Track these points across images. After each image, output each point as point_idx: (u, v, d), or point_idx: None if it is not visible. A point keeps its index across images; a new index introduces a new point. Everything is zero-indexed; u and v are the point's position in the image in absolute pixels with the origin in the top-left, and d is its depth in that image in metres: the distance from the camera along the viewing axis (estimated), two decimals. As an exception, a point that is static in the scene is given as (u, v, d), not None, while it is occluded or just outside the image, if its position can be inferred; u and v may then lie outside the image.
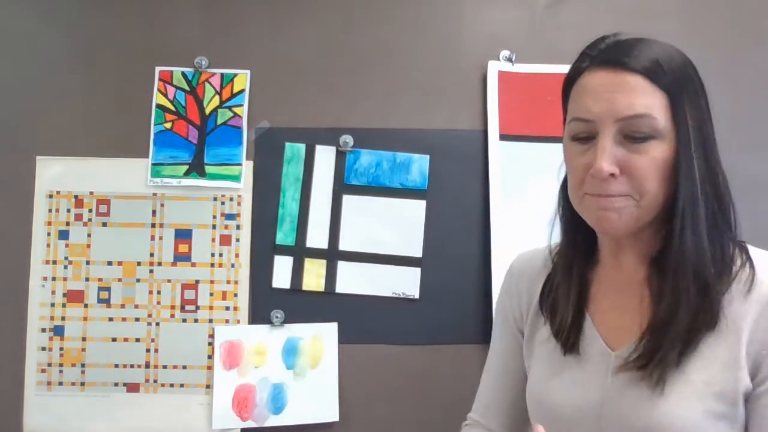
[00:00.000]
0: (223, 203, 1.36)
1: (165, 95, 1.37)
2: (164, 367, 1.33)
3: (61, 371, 1.33)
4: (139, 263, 1.35)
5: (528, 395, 0.88)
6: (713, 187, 0.75)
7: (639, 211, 0.75)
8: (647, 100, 0.72)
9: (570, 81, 0.80)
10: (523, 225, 1.32)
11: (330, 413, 1.30)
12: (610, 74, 0.74)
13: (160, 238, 1.35)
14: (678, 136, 0.73)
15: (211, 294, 1.34)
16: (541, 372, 0.86)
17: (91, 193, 1.36)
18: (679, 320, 0.73)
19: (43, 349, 1.33)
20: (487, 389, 0.97)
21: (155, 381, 1.33)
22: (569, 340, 0.82)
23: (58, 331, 1.34)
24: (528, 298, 0.92)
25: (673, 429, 0.72)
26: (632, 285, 0.81)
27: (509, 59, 1.36)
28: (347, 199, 1.36)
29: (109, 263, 1.35)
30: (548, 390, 0.83)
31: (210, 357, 1.33)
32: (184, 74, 1.38)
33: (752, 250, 0.78)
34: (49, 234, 1.35)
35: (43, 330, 1.34)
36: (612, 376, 0.77)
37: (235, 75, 1.37)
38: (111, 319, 1.34)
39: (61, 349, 1.33)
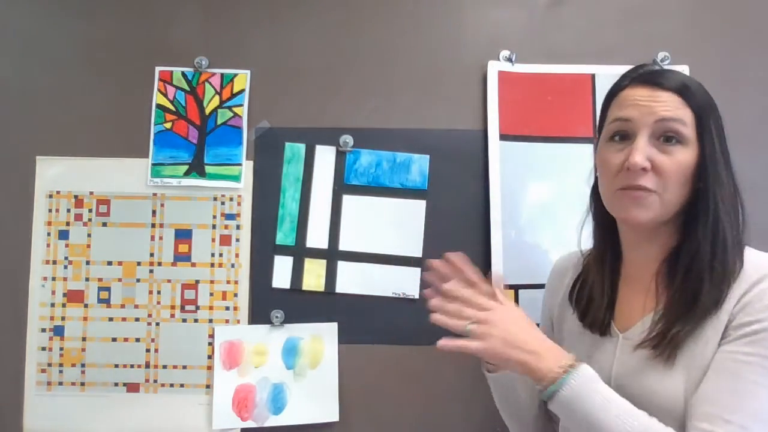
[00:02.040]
0: (223, 203, 1.36)
1: (165, 95, 1.37)
2: (164, 367, 1.33)
3: (61, 371, 1.33)
4: (139, 263, 1.35)
5: None
6: (731, 192, 0.89)
7: (661, 207, 0.88)
8: (679, 111, 0.88)
9: (610, 95, 0.95)
10: (522, 225, 1.32)
11: (330, 413, 1.31)
12: (648, 89, 0.90)
13: (160, 238, 1.35)
14: (704, 147, 0.88)
15: (211, 294, 1.34)
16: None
17: (91, 193, 1.36)
18: (689, 305, 0.86)
19: (43, 349, 1.33)
20: None
21: (155, 381, 1.33)
22: (603, 323, 0.97)
23: (58, 331, 1.34)
24: (560, 293, 1.09)
25: (679, 399, 0.84)
26: (644, 276, 0.94)
27: (509, 59, 1.36)
28: (347, 199, 1.36)
29: (109, 263, 1.35)
30: None
31: (210, 357, 1.33)
32: (184, 74, 1.38)
33: (748, 250, 0.90)
34: (49, 234, 1.35)
35: (43, 330, 1.34)
36: (624, 354, 0.92)
37: (235, 75, 1.37)
38: (111, 319, 1.34)
39: (61, 349, 1.33)
